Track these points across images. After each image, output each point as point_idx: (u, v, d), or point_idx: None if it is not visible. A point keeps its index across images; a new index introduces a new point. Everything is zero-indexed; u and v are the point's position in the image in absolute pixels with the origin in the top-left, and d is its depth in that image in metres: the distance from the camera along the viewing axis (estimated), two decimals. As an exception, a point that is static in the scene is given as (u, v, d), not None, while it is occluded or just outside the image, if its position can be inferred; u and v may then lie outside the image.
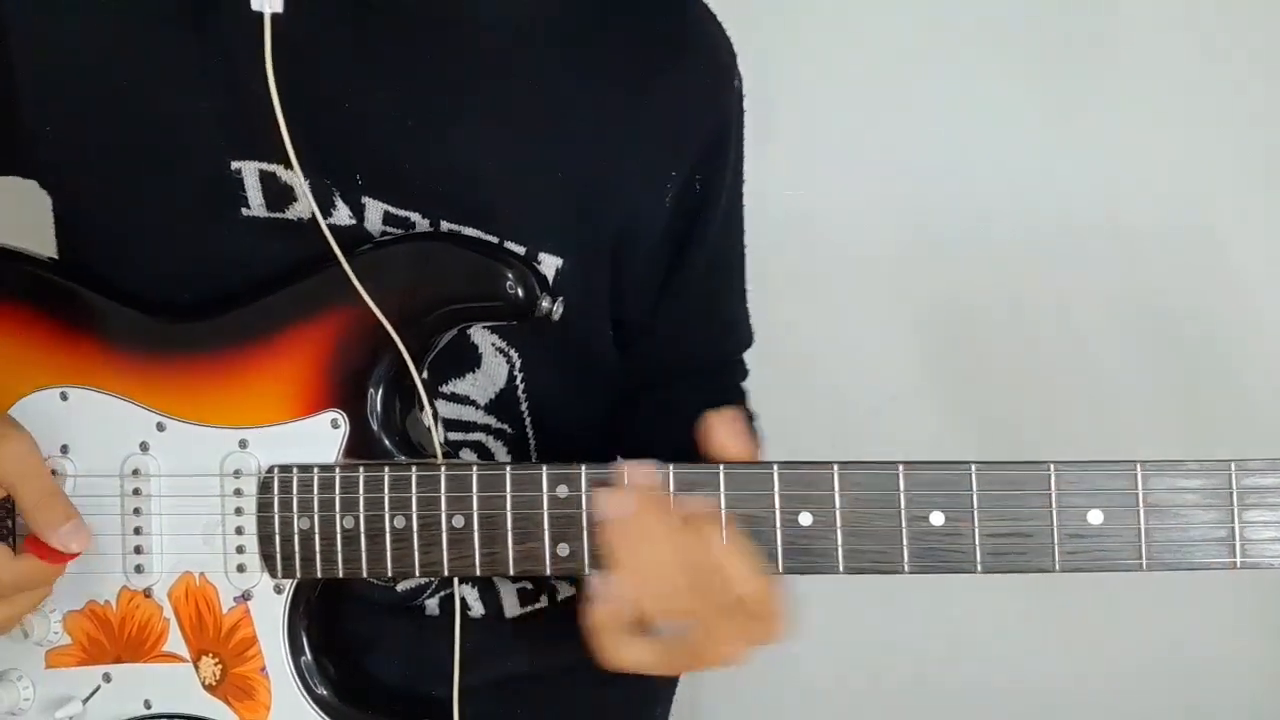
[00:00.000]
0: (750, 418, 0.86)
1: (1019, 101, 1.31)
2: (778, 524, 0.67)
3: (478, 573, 0.70)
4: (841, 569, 0.67)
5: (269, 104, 0.71)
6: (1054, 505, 0.64)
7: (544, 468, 0.69)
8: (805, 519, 0.67)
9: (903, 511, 0.66)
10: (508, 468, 0.70)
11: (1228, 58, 1.29)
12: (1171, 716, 1.39)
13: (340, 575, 0.72)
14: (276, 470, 0.73)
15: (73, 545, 0.69)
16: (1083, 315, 1.33)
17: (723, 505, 0.68)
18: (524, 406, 0.83)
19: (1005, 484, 0.65)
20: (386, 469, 0.72)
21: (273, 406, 0.74)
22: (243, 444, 0.74)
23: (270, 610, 0.74)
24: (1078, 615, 1.37)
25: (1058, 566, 0.65)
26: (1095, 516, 0.64)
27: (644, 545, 0.67)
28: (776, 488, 0.67)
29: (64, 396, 0.76)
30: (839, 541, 0.67)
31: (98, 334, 0.77)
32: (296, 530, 0.73)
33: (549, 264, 0.78)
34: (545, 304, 0.73)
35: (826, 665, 1.37)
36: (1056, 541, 0.64)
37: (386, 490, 0.72)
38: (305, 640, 0.75)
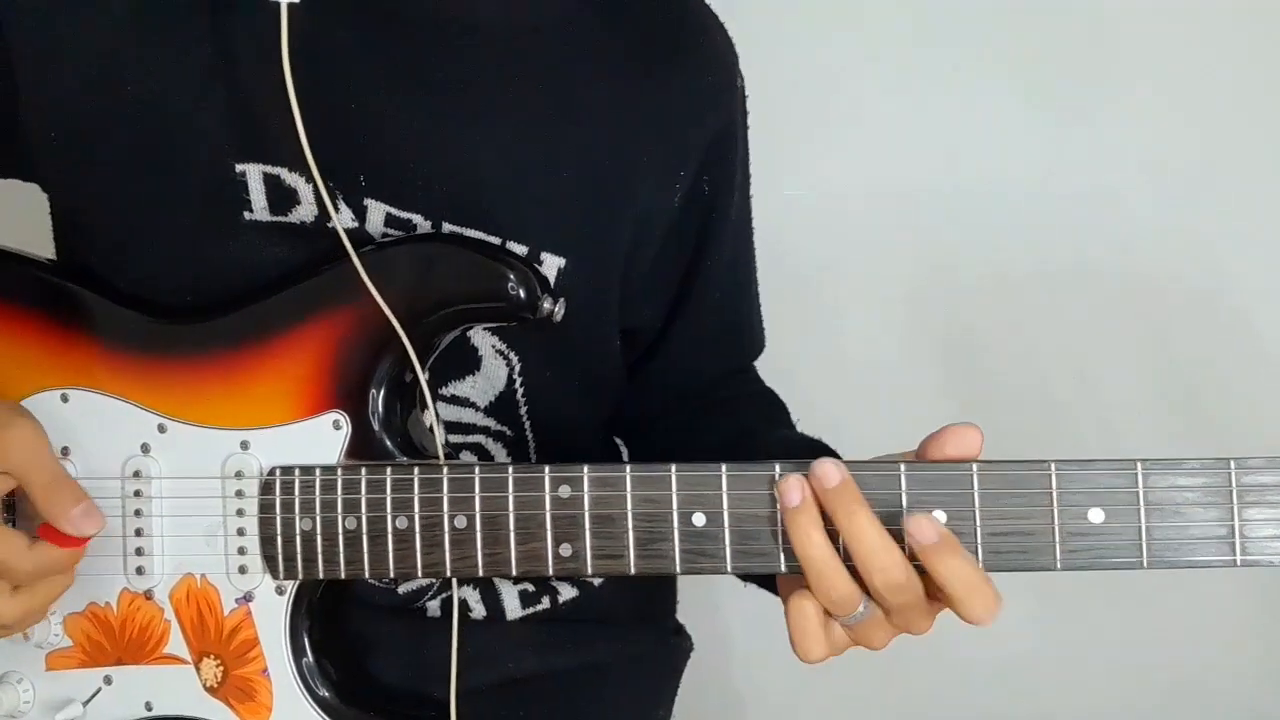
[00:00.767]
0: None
1: (1019, 103, 1.31)
2: (778, 523, 0.67)
3: (480, 573, 0.70)
4: (844, 568, 0.67)
5: (279, 101, 0.71)
6: (1055, 504, 0.64)
7: (546, 468, 0.69)
8: (807, 519, 0.67)
9: (905, 511, 0.65)
10: (510, 468, 0.70)
11: (1228, 58, 1.29)
12: (1172, 716, 1.39)
13: (342, 576, 0.72)
14: (278, 471, 0.73)
15: (86, 528, 0.69)
16: (1083, 315, 1.33)
17: (724, 506, 0.68)
18: (523, 409, 0.83)
19: (1006, 483, 0.65)
20: (388, 470, 0.72)
21: (274, 407, 0.74)
22: (244, 445, 0.74)
23: (272, 612, 0.74)
24: (1078, 615, 1.37)
25: (1059, 565, 0.64)
26: (1096, 515, 0.64)
27: (869, 530, 0.64)
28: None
29: (65, 398, 0.76)
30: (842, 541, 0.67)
31: (98, 335, 0.76)
32: (298, 531, 0.73)
33: (551, 263, 0.78)
34: (547, 305, 0.73)
35: (826, 665, 1.36)
36: (1057, 540, 0.64)
37: (389, 491, 0.72)
38: (307, 642, 0.75)
